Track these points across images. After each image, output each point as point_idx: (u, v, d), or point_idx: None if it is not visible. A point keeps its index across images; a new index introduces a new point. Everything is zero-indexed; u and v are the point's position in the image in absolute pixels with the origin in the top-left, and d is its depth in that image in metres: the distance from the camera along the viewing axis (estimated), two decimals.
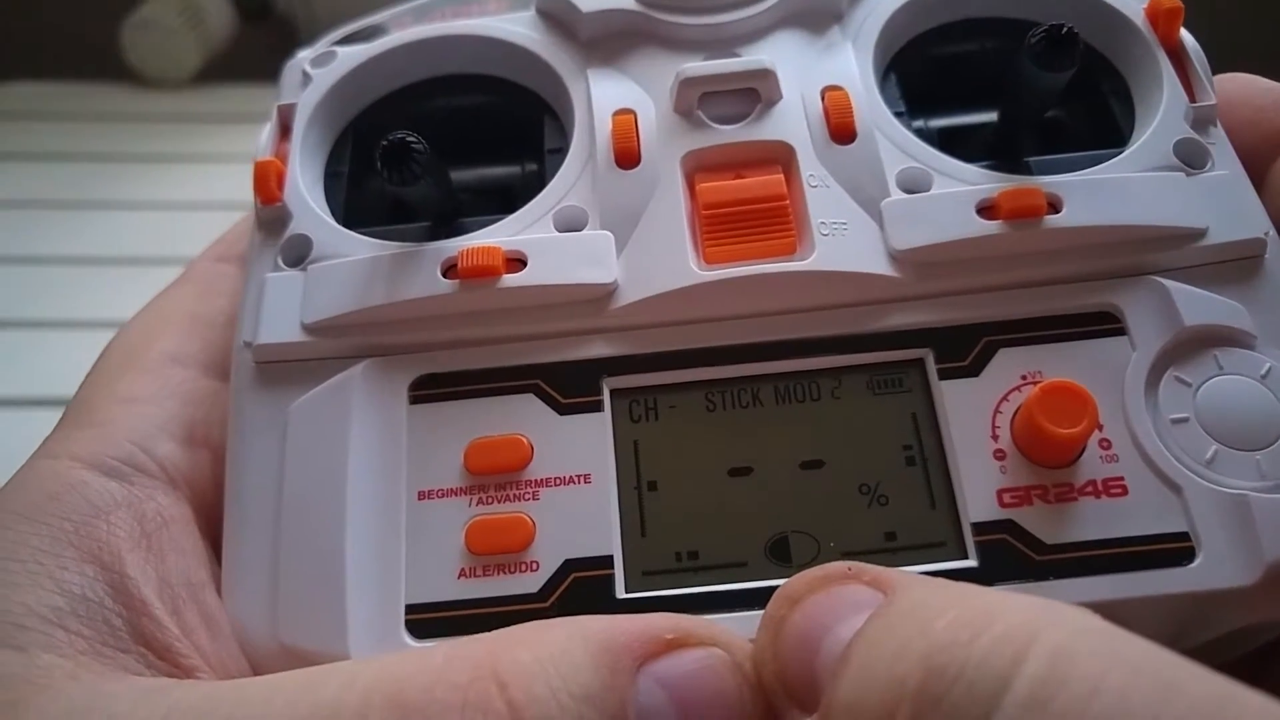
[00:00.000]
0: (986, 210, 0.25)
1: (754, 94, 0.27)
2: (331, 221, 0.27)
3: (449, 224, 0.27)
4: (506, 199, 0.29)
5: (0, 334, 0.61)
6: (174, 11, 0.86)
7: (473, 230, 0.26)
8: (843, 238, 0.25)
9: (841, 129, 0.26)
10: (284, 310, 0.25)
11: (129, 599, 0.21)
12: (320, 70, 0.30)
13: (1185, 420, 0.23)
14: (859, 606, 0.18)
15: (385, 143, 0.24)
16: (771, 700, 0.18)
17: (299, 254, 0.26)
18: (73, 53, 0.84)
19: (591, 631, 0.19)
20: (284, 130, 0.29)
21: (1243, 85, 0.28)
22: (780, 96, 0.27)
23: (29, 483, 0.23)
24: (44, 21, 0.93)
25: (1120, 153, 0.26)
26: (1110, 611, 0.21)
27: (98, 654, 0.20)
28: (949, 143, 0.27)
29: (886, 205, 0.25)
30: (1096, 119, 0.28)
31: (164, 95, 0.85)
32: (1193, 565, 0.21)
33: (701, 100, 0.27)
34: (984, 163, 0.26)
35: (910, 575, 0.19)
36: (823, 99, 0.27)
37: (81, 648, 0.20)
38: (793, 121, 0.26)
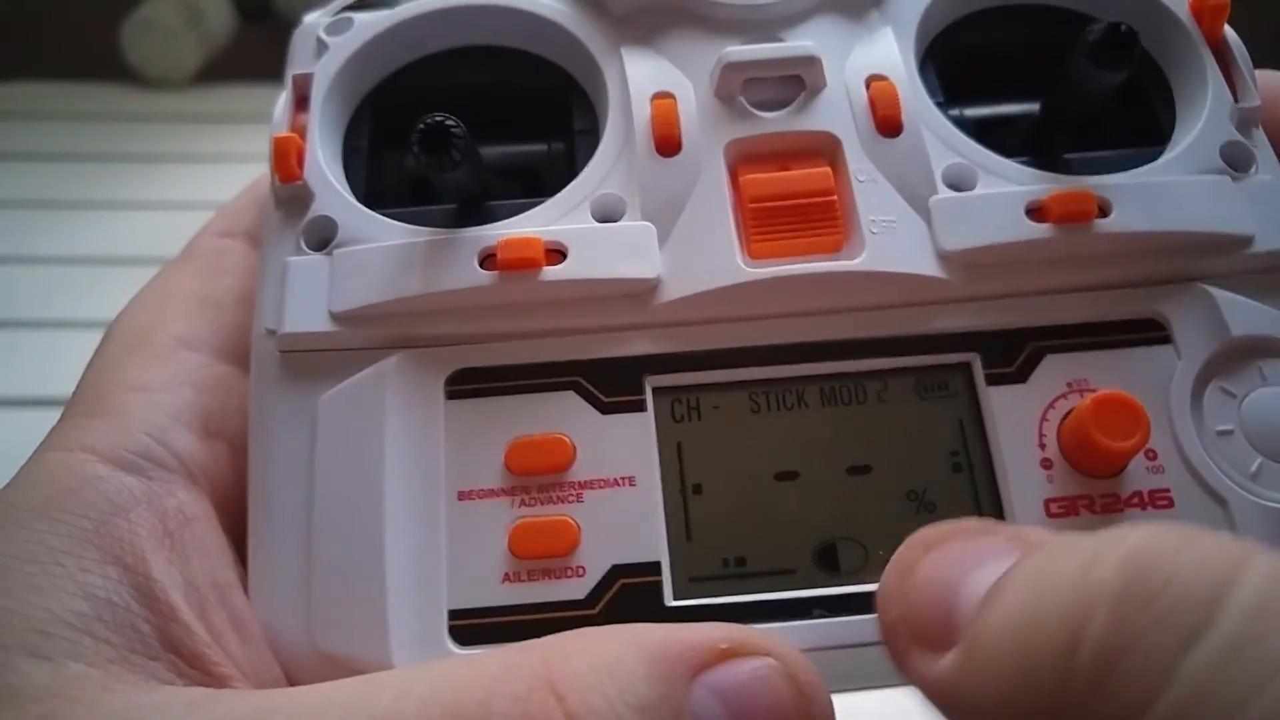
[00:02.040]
0: (1036, 212, 0.24)
1: (798, 81, 0.26)
2: (356, 203, 0.26)
3: (477, 206, 0.26)
4: (531, 179, 0.28)
5: (0, 334, 0.59)
6: (174, 11, 0.85)
7: (501, 213, 0.25)
8: (891, 236, 0.24)
9: (888, 121, 0.25)
10: (310, 297, 0.24)
11: (155, 603, 0.20)
12: (337, 38, 0.28)
13: (1230, 432, 0.23)
14: (1000, 555, 0.17)
15: (422, 126, 0.23)
16: (891, 644, 0.18)
17: (323, 237, 0.25)
18: (73, 53, 0.84)
19: (646, 640, 0.18)
20: (299, 102, 0.28)
21: (1277, 83, 0.27)
22: (825, 85, 0.26)
23: (41, 477, 0.22)
24: (44, 21, 0.92)
25: (1161, 152, 0.26)
26: None
27: (127, 662, 0.20)
28: (984, 133, 0.27)
29: (935, 204, 0.24)
30: (1134, 114, 0.28)
31: (164, 95, 0.85)
32: None
33: (744, 86, 0.26)
34: (1023, 158, 0.26)
35: (1046, 532, 0.18)
36: (868, 89, 0.26)
37: (110, 656, 0.19)
38: (837, 111, 0.26)
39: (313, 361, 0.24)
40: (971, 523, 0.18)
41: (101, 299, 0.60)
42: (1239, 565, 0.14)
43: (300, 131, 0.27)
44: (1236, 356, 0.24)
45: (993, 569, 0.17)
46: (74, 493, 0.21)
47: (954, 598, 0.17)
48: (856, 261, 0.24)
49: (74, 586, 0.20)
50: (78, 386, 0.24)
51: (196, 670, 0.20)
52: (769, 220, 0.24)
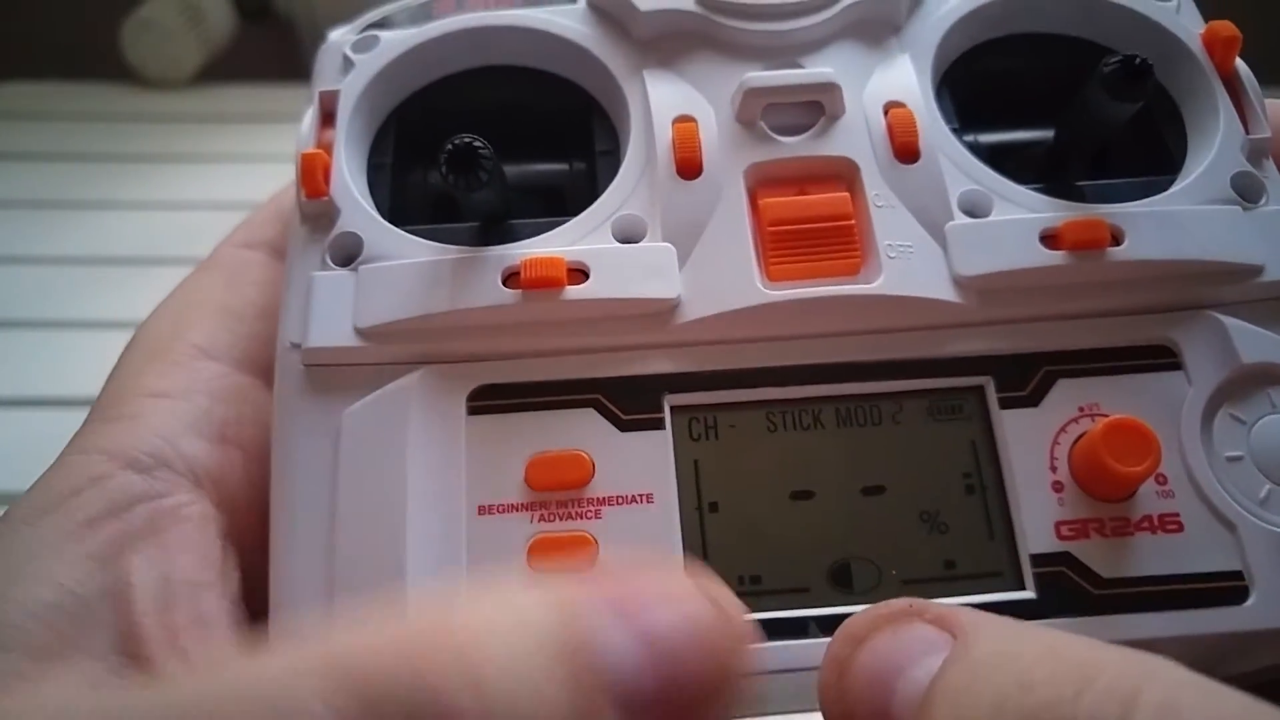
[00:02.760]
0: (1050, 239, 0.25)
1: (818, 106, 0.26)
2: (381, 220, 0.26)
3: (500, 225, 0.27)
4: (552, 198, 0.28)
5: (1, 334, 0.59)
6: (174, 11, 0.85)
7: (524, 232, 0.26)
8: (908, 260, 0.25)
9: (906, 148, 0.26)
10: (335, 312, 0.25)
11: (119, 601, 0.21)
12: (364, 55, 0.29)
13: (1240, 459, 0.23)
14: (930, 647, 0.18)
15: (451, 146, 0.23)
16: None
17: (349, 253, 0.25)
18: (73, 53, 0.83)
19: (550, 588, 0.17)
20: (325, 118, 0.28)
21: None
22: (844, 111, 0.26)
23: (55, 478, 0.23)
24: (44, 21, 0.92)
25: (1173, 180, 0.26)
26: (1164, 647, 0.22)
27: (66, 659, 0.20)
28: (998, 160, 0.27)
29: (951, 230, 0.25)
30: (1147, 144, 0.28)
31: (164, 95, 0.85)
32: (1246, 605, 0.22)
33: (764, 111, 0.26)
34: (1037, 185, 0.26)
35: (974, 614, 0.19)
36: (885, 115, 0.26)
37: (54, 650, 0.20)
38: (856, 137, 0.26)
39: (337, 376, 0.24)
40: (898, 605, 0.19)
41: (101, 299, 0.61)
42: (1130, 705, 0.15)
43: (326, 147, 0.27)
44: (1247, 383, 0.24)
45: (926, 664, 0.17)
46: (78, 492, 0.22)
47: (889, 697, 0.17)
48: (873, 285, 0.24)
49: (47, 577, 0.20)
50: (100, 393, 0.25)
51: (139, 670, 0.20)
52: (787, 243, 0.25)
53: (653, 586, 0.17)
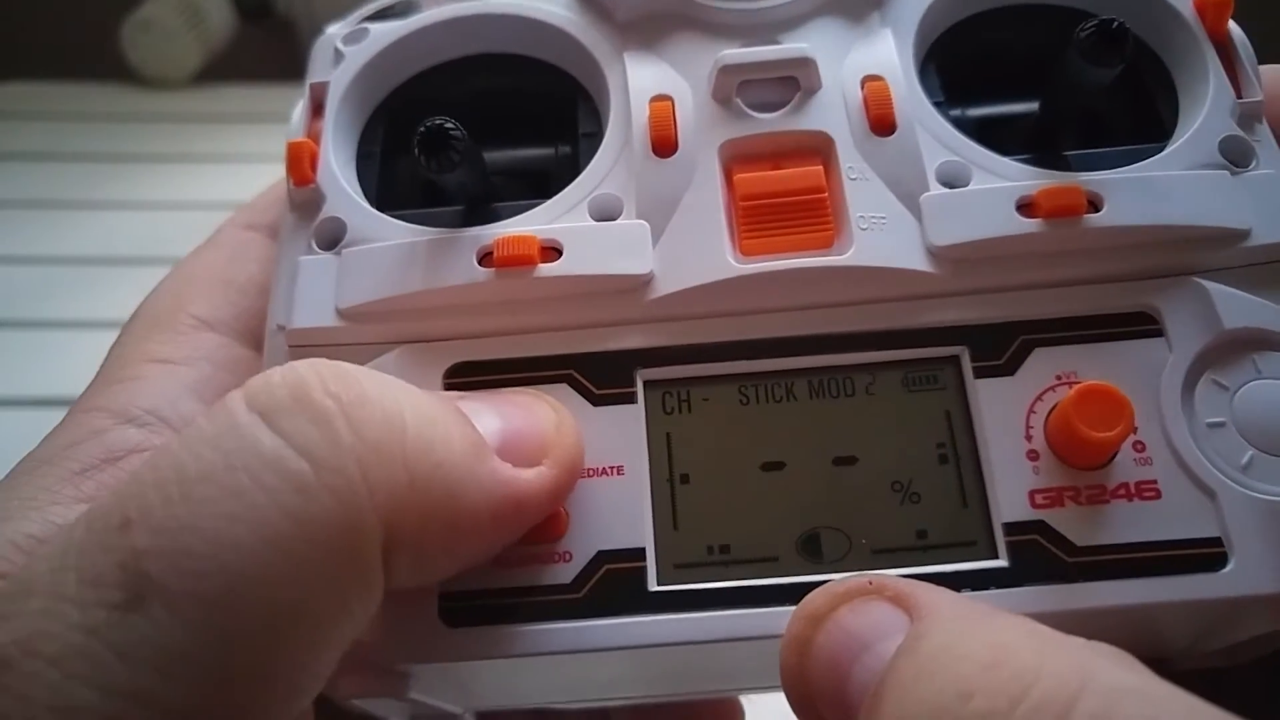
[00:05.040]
0: (1026, 208, 0.24)
1: (793, 82, 0.26)
2: (365, 205, 0.27)
3: (483, 208, 0.27)
4: (538, 181, 0.29)
5: (1, 334, 0.61)
6: (174, 11, 0.86)
7: (507, 215, 0.26)
8: (881, 232, 0.24)
9: (881, 120, 0.26)
10: (318, 295, 0.25)
11: None
12: (353, 48, 0.29)
13: (1222, 424, 0.23)
14: (887, 629, 0.18)
15: (423, 129, 0.24)
16: None
17: (333, 237, 0.26)
18: (73, 53, 0.85)
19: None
20: (316, 109, 0.29)
21: None
22: (820, 86, 0.26)
23: (57, 433, 0.23)
24: (44, 21, 0.93)
25: (1162, 148, 0.26)
26: (1141, 614, 0.22)
27: None
28: (986, 133, 0.27)
29: (925, 200, 0.25)
30: (1138, 111, 0.28)
31: (164, 95, 0.86)
32: (1224, 571, 0.21)
33: (740, 88, 0.26)
34: (1022, 156, 0.26)
35: (932, 592, 0.19)
36: (862, 89, 0.26)
37: None
38: (832, 111, 0.26)
39: (320, 356, 0.25)
40: (857, 582, 0.19)
41: (101, 299, 0.62)
42: (1070, 704, 0.15)
43: (315, 137, 0.28)
44: (1230, 349, 0.23)
45: (881, 649, 0.18)
46: (78, 444, 0.23)
47: (845, 685, 0.18)
48: (845, 257, 0.24)
49: (37, 515, 0.21)
50: (104, 360, 0.26)
51: None
52: (760, 217, 0.25)
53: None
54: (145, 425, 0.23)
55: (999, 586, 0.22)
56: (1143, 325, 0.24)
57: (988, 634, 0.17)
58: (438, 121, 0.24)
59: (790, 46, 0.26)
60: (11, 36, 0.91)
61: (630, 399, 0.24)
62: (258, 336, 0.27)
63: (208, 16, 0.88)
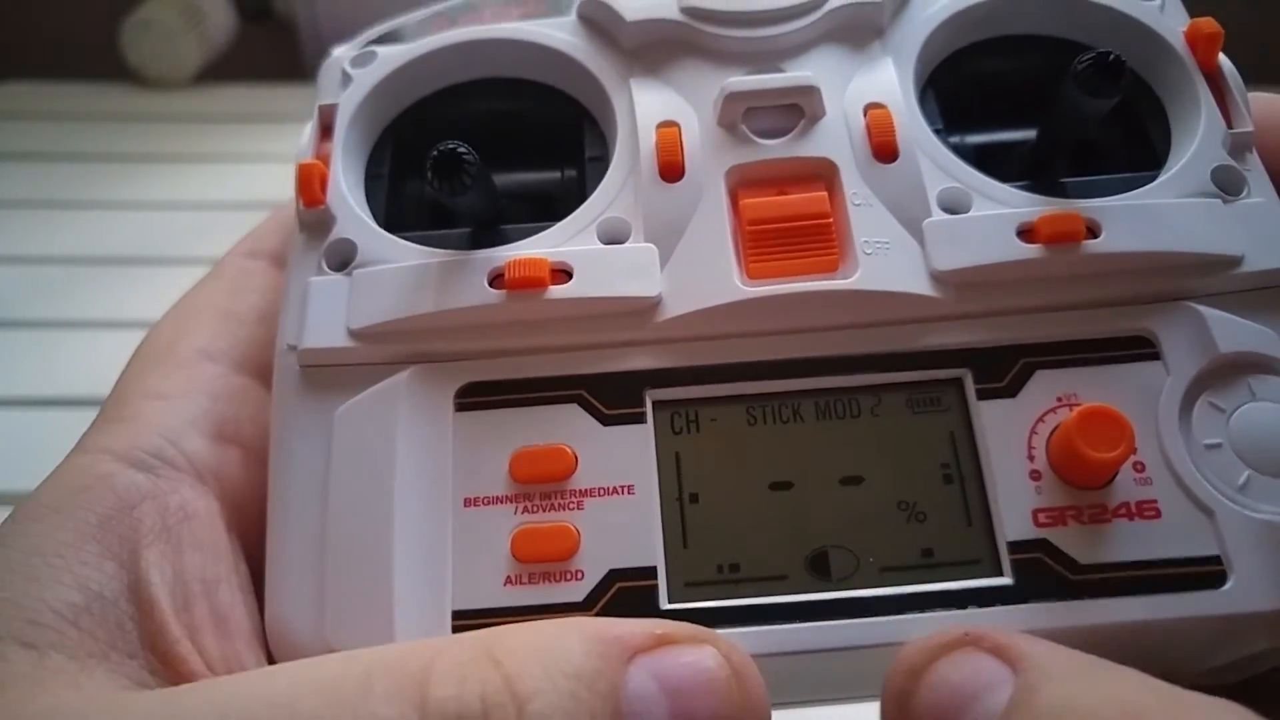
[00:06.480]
0: (1026, 233, 0.25)
1: (798, 110, 0.27)
2: (375, 226, 0.27)
3: (491, 230, 0.27)
4: (545, 204, 0.29)
5: (1, 334, 0.61)
6: (174, 11, 0.86)
7: (515, 237, 0.27)
8: (885, 256, 0.25)
9: (884, 148, 0.26)
10: (329, 315, 0.25)
11: (141, 599, 0.22)
12: (361, 70, 0.30)
13: (1218, 445, 0.23)
14: (989, 683, 0.18)
15: (436, 153, 0.24)
16: None
17: (343, 259, 0.26)
18: (73, 53, 0.85)
19: (586, 624, 0.19)
20: (325, 131, 0.29)
21: (1269, 106, 0.28)
22: (824, 113, 0.27)
23: (62, 477, 0.23)
24: (44, 21, 0.93)
25: (1156, 176, 0.27)
26: (1144, 631, 0.22)
27: (105, 658, 0.21)
28: (985, 159, 0.28)
29: (928, 225, 0.25)
30: (1132, 140, 0.29)
31: (164, 95, 0.86)
32: (1224, 589, 0.22)
33: (746, 115, 0.27)
34: (1020, 183, 0.27)
35: (1034, 644, 0.19)
36: (865, 116, 0.27)
37: (91, 649, 0.20)
38: (836, 138, 0.27)
39: (331, 376, 0.25)
40: (953, 634, 0.19)
41: (101, 299, 0.62)
42: None
43: (324, 159, 0.28)
44: (1225, 372, 0.24)
45: (988, 702, 0.18)
46: (86, 490, 0.23)
47: None
48: (850, 280, 0.25)
49: (70, 579, 0.21)
50: (107, 398, 0.26)
51: (168, 668, 0.21)
52: (767, 242, 0.25)
53: (682, 640, 0.19)
54: (150, 470, 0.24)
55: (1004, 603, 0.22)
56: (1141, 349, 0.24)
57: (1107, 688, 0.17)
58: (450, 145, 0.24)
59: (795, 75, 0.27)
60: (11, 36, 0.91)
61: (640, 419, 0.24)
62: (257, 364, 0.27)
63: (208, 17, 0.88)
